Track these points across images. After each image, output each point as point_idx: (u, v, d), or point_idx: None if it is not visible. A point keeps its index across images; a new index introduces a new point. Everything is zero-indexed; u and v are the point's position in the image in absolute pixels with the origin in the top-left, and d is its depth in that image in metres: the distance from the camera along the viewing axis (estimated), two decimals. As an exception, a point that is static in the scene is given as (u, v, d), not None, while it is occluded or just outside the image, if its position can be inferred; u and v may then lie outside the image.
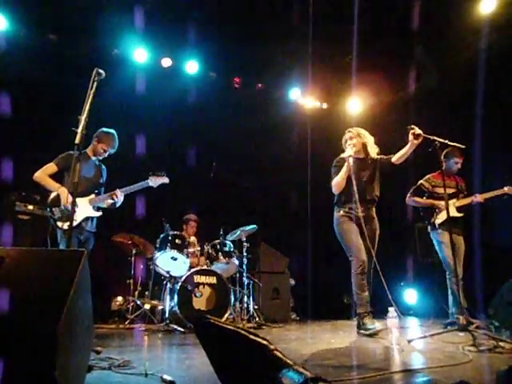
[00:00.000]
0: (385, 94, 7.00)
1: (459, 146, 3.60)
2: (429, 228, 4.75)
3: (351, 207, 3.90)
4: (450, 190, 4.63)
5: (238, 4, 5.45)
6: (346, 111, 7.42)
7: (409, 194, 4.82)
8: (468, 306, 3.56)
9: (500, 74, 5.18)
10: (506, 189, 4.50)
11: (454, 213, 4.55)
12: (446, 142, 3.52)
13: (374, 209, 4.03)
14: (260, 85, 7.08)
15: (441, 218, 4.59)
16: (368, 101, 7.26)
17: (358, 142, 4.02)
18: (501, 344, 2.70)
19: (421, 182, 4.79)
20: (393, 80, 6.58)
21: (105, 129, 3.93)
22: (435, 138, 3.50)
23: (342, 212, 3.95)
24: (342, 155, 3.99)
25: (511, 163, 5.26)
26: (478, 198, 4.54)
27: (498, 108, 5.35)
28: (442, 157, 4.64)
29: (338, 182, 3.93)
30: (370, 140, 4.09)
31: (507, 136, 5.32)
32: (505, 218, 5.32)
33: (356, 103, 7.32)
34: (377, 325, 3.51)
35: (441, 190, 4.62)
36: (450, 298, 4.49)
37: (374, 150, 4.07)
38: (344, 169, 3.88)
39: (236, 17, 5.67)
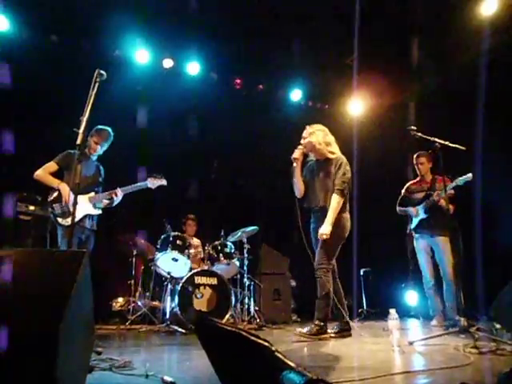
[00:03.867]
0: (386, 95, 6.99)
1: (460, 147, 3.60)
2: (411, 233, 4.93)
3: (311, 212, 3.80)
4: (422, 194, 4.71)
5: (238, 5, 5.45)
6: (347, 112, 7.43)
7: (397, 204, 4.99)
8: (464, 308, 3.56)
9: (502, 75, 5.17)
10: (467, 175, 4.34)
11: (422, 215, 4.67)
12: (447, 143, 3.52)
13: (323, 215, 3.60)
14: (261, 86, 7.08)
15: (414, 223, 4.79)
16: (369, 102, 7.26)
17: (308, 142, 3.74)
18: (502, 346, 2.70)
19: (402, 191, 4.97)
20: (394, 81, 6.58)
21: (99, 126, 3.93)
22: (436, 139, 3.51)
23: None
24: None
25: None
26: (435, 195, 4.55)
27: (499, 109, 5.34)
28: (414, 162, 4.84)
29: (294, 186, 3.78)
30: (319, 138, 3.73)
31: (509, 137, 5.32)
32: (506, 218, 5.31)
33: (357, 104, 7.32)
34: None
35: (416, 196, 4.81)
36: (428, 301, 4.74)
37: (325, 149, 3.72)
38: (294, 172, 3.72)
39: (237, 18, 5.67)
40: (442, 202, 4.39)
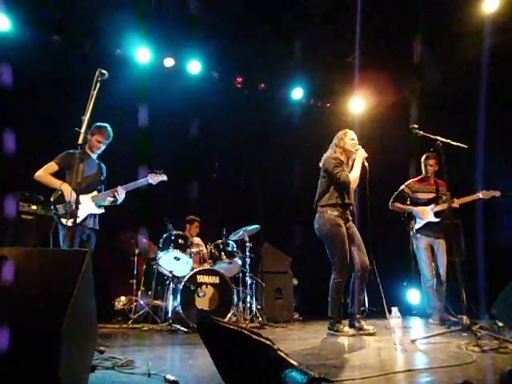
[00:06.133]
0: (387, 93, 6.98)
1: (461, 145, 3.60)
2: (411, 233, 4.92)
3: (347, 209, 3.90)
4: (430, 195, 4.68)
5: (240, 4, 5.44)
6: (348, 111, 7.42)
7: (391, 200, 4.92)
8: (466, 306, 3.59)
9: (503, 73, 5.16)
10: (480, 194, 4.50)
11: (431, 218, 4.64)
12: (449, 141, 3.52)
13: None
14: (262, 85, 7.07)
15: (418, 223, 4.74)
16: (370, 100, 7.25)
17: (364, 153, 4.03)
18: (504, 344, 2.69)
19: (402, 187, 4.91)
20: (395, 80, 6.56)
21: (97, 123, 3.93)
22: (437, 137, 3.50)
23: (336, 213, 3.86)
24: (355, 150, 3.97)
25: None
26: (455, 203, 4.55)
27: (500, 108, 5.33)
28: (422, 161, 4.77)
29: (357, 177, 3.89)
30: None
31: (509, 136, 5.31)
32: (508, 218, 5.30)
33: (359, 102, 7.31)
34: (346, 329, 3.68)
35: (421, 195, 4.73)
36: (425, 298, 4.70)
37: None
38: (359, 166, 3.86)
39: (238, 17, 5.66)
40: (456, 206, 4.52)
